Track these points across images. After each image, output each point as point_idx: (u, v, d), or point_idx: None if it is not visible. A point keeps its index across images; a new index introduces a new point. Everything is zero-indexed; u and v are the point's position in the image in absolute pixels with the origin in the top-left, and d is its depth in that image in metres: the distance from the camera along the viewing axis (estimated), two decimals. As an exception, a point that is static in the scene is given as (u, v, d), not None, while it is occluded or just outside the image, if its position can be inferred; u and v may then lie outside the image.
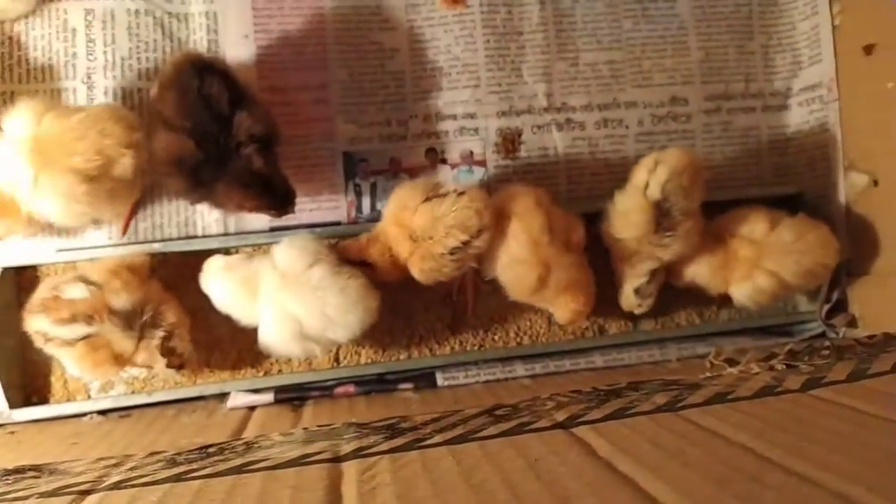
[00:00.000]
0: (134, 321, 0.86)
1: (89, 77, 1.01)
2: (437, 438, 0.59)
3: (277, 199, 0.92)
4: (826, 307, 1.04)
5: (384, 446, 0.58)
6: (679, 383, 0.69)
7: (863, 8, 1.04)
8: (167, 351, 0.86)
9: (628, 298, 0.99)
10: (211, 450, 0.64)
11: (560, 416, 0.62)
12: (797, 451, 0.47)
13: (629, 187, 0.95)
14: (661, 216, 0.92)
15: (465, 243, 0.87)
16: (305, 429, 0.71)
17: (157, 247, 0.96)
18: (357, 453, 0.57)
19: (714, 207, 1.04)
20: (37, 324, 0.86)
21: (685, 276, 1.00)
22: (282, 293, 0.82)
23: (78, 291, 0.85)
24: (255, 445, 0.65)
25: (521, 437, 0.58)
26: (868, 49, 1.02)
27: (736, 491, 0.42)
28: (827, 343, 0.75)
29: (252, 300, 0.84)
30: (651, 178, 0.92)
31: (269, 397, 0.95)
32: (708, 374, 0.73)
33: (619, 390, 0.70)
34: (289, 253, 0.84)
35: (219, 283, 0.87)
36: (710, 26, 1.12)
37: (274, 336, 0.84)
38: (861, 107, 1.05)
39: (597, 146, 1.10)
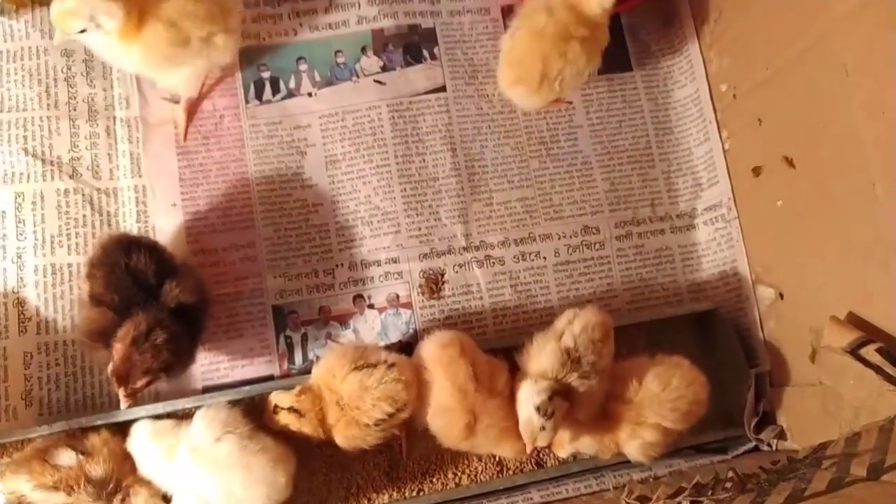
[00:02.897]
0: (103, 491, 0.86)
1: (19, 257, 1.04)
2: None
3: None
4: (754, 420, 1.06)
5: None
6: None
7: (746, 133, 1.12)
8: None
9: (530, 422, 0.90)
10: None
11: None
12: None
13: (549, 330, 0.98)
14: (571, 362, 0.94)
15: (391, 416, 0.90)
16: None
17: (83, 421, 0.96)
18: None
19: (634, 329, 1.08)
20: (15, 484, 0.85)
21: (568, 447, 1.00)
22: (191, 467, 0.83)
23: (67, 458, 0.86)
24: None
25: None
26: (756, 171, 1.10)
27: None
28: (731, 474, 0.76)
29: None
30: (567, 328, 0.96)
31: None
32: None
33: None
34: (199, 424, 0.85)
35: (143, 449, 0.87)
36: (612, 158, 1.20)
37: (185, 510, 0.83)
38: (758, 224, 1.11)
39: (518, 279, 1.14)
